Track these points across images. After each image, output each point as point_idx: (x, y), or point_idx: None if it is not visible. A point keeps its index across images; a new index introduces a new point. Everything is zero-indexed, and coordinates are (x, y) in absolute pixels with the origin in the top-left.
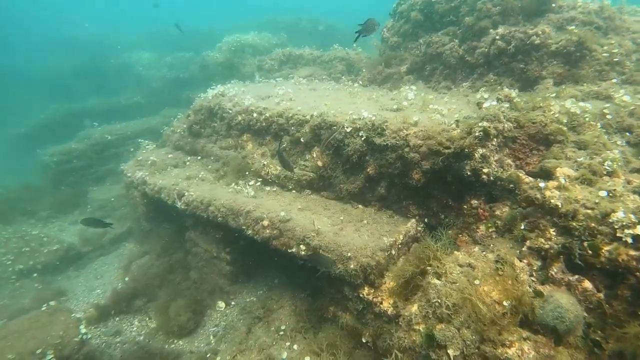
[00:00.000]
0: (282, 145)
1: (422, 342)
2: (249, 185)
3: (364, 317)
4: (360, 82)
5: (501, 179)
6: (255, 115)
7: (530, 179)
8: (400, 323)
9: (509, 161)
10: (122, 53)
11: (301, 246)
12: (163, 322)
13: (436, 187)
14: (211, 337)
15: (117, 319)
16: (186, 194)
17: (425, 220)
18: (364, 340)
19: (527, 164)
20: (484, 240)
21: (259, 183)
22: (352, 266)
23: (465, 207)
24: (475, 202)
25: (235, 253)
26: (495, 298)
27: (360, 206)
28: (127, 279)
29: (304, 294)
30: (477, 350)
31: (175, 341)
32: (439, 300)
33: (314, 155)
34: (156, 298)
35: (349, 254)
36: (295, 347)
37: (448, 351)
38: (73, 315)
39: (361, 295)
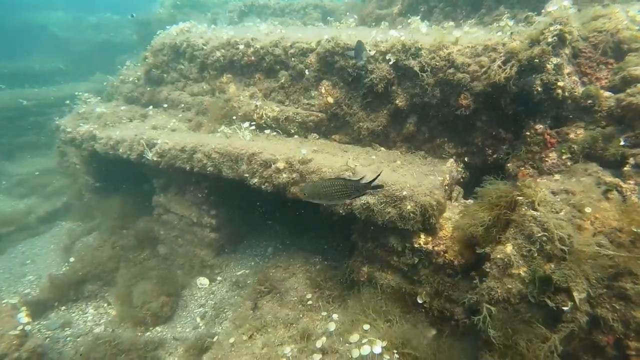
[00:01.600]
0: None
1: (533, 288)
2: (243, 127)
3: (417, 274)
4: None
5: (574, 96)
6: (241, 47)
7: (610, 93)
8: (489, 270)
9: (575, 78)
10: (24, 11)
11: None
12: (127, 312)
13: (483, 117)
14: (198, 320)
15: (63, 308)
16: (159, 141)
17: (466, 159)
18: (419, 301)
19: (597, 79)
20: (557, 169)
21: (252, 127)
22: (408, 207)
23: (528, 134)
24: (541, 126)
25: (221, 216)
26: (615, 225)
27: (382, 149)
28: (72, 259)
29: (317, 258)
30: (605, 290)
31: (151, 328)
32: (548, 234)
33: (323, 91)
34: (113, 283)
35: (404, 193)
36: (335, 317)
37: (573, 294)
38: (5, 301)
39: (416, 245)
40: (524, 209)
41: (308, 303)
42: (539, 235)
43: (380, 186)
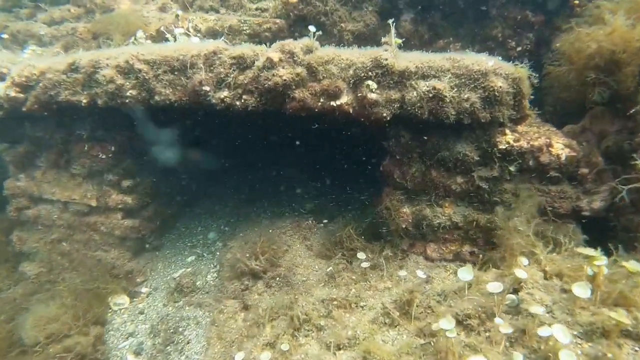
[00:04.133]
0: None
1: None
2: (176, 32)
3: (496, 193)
4: None
5: None
6: None
7: None
8: None
9: None
10: None
11: (369, 82)
12: None
13: None
14: (130, 358)
15: None
16: (22, 59)
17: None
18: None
19: None
20: None
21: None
22: (499, 84)
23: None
24: None
25: (142, 188)
26: None
27: None
28: None
29: (309, 220)
30: None
31: None
32: None
33: None
34: None
35: (490, 63)
36: (420, 273)
37: None
38: None
39: (503, 146)
40: None
41: (362, 265)
42: None
43: None
